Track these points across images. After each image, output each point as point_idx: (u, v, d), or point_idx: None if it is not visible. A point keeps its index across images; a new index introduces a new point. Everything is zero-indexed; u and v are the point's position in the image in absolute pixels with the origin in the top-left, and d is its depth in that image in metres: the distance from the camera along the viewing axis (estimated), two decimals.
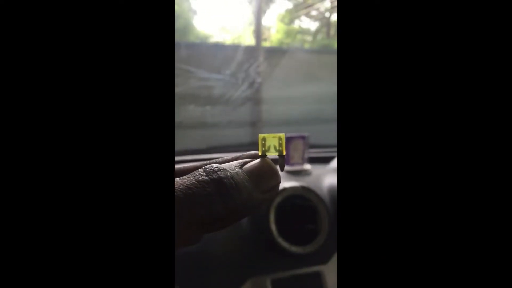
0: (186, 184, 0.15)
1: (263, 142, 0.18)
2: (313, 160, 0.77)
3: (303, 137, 0.70)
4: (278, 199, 0.54)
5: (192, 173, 0.16)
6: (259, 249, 0.52)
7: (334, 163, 0.73)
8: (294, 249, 0.51)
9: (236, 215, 0.16)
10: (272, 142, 0.18)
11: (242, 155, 0.18)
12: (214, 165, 0.16)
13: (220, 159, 0.19)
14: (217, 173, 0.16)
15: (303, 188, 0.55)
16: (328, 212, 0.55)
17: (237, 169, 0.17)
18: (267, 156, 0.18)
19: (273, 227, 0.52)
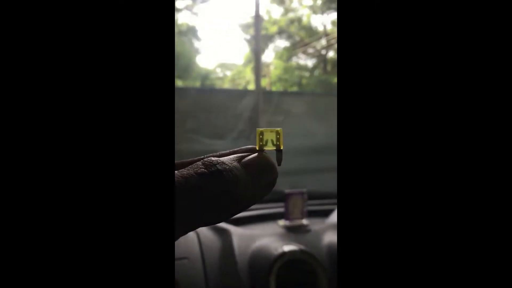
0: (185, 176, 0.15)
1: (261, 136, 0.18)
2: (312, 214, 0.78)
3: (301, 193, 0.72)
4: (278, 264, 0.55)
5: (191, 165, 0.16)
6: None
7: (332, 218, 0.74)
8: None
9: (233, 209, 0.16)
10: (270, 136, 0.18)
11: (240, 149, 0.18)
12: (213, 159, 0.17)
13: (218, 153, 0.18)
14: (216, 166, 0.16)
15: (302, 251, 0.57)
16: (327, 276, 0.57)
17: (235, 163, 0.17)
18: (265, 150, 0.18)
19: None
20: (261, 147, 0.17)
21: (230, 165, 0.16)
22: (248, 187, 0.16)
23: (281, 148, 0.18)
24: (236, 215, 0.16)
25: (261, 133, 0.18)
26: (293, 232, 0.68)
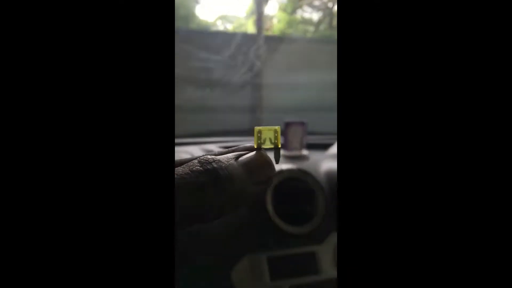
0: (180, 174, 0.15)
1: (259, 135, 0.19)
2: (311, 146, 0.77)
3: (302, 123, 0.71)
4: (275, 181, 0.55)
5: (187, 164, 0.17)
6: (256, 229, 0.54)
7: (331, 150, 0.74)
8: (290, 229, 0.53)
9: (229, 206, 0.16)
10: (268, 135, 0.19)
11: (238, 147, 0.19)
12: (209, 157, 0.17)
13: (216, 151, 0.19)
14: (211, 164, 0.16)
15: (299, 170, 0.56)
16: (324, 194, 0.57)
17: (232, 161, 0.17)
18: (262, 148, 0.19)
19: (270, 207, 0.53)
20: (259, 145, 0.19)
21: (226, 163, 0.16)
22: (245, 184, 0.16)
23: (279, 146, 0.20)
24: (234, 212, 0.15)
25: (259, 132, 0.19)
26: (291, 160, 0.67)
